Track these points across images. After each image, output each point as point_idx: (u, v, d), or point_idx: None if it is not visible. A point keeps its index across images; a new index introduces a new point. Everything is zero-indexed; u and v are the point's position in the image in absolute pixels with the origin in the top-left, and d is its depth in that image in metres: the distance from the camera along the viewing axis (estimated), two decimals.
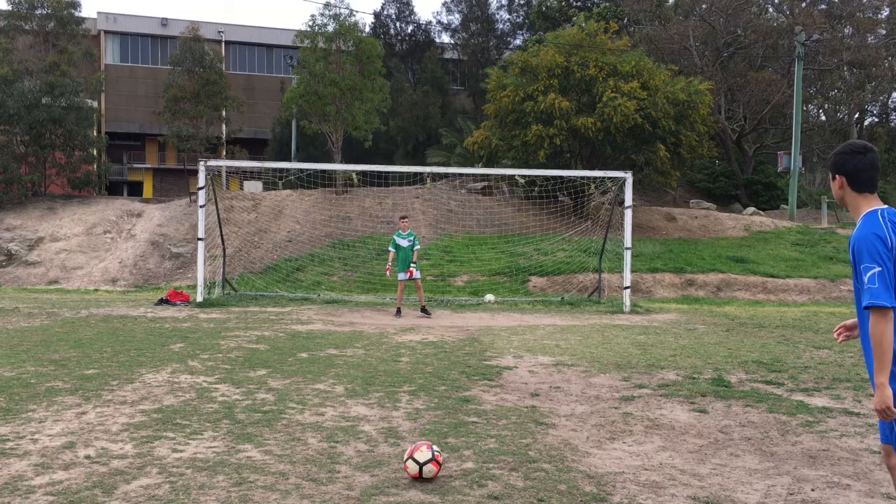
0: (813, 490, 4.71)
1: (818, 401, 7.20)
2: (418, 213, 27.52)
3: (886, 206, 3.30)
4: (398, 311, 15.08)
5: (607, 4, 39.09)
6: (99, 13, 48.38)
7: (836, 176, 3.39)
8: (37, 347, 9.85)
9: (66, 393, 7.04)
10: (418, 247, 15.22)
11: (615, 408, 6.83)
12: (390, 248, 15.23)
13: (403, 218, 15.55)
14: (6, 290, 22.25)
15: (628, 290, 17.16)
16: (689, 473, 4.99)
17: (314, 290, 20.42)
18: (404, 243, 14.90)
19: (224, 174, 36.38)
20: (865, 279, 3.12)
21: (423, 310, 15.08)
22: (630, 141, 27.09)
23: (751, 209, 32.68)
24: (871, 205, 3.31)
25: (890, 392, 3.13)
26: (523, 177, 26.70)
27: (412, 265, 14.92)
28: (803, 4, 39.18)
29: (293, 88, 32.10)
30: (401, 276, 15.02)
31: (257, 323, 13.16)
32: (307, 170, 23.42)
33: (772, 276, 21.98)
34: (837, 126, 41.92)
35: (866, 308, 3.13)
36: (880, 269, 3.11)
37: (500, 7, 48.01)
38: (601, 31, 28.31)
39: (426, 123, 40.44)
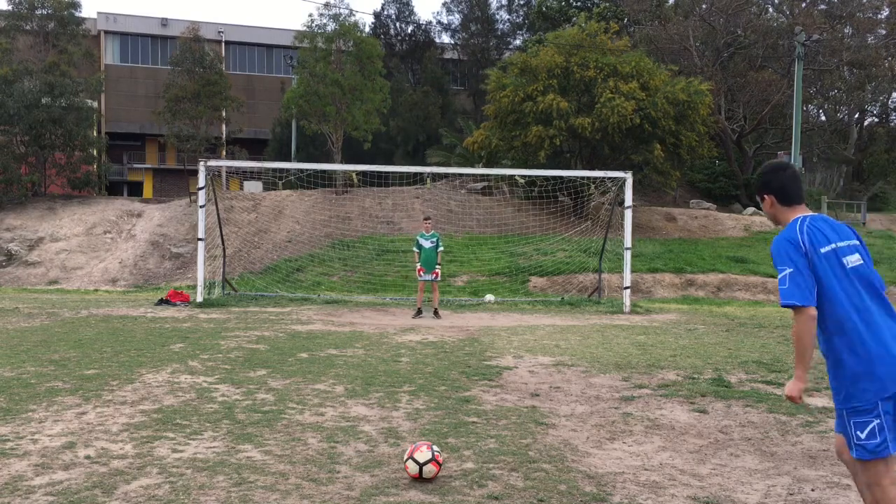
0: (813, 490, 4.71)
1: (818, 401, 7.20)
2: (418, 213, 27.52)
3: (815, 213, 3.43)
4: (419, 312, 14.97)
5: (607, 4, 39.09)
6: (99, 13, 48.39)
7: (765, 195, 3.55)
8: (37, 347, 9.85)
9: (66, 393, 7.03)
10: (442, 248, 15.08)
11: (615, 408, 6.83)
12: (415, 249, 15.16)
13: (427, 219, 15.45)
14: (6, 290, 22.26)
15: (628, 290, 17.15)
16: (689, 473, 4.99)
17: (314, 291, 20.42)
18: (427, 244, 14.80)
19: (224, 174, 36.38)
20: (778, 280, 3.29)
21: (435, 312, 15.00)
22: (629, 141, 27.10)
23: (751, 209, 32.67)
24: (797, 214, 3.46)
25: (804, 385, 3.29)
26: (523, 177, 26.71)
27: (437, 266, 14.89)
28: (803, 4, 39.19)
29: (293, 88, 32.11)
30: (424, 276, 14.88)
31: (257, 323, 13.16)
32: (307, 170, 23.42)
33: (772, 276, 21.96)
34: (837, 126, 41.91)
35: (784, 306, 3.27)
36: (791, 270, 3.26)
37: (500, 7, 48.04)
38: (601, 31, 28.32)
39: (426, 123, 40.43)
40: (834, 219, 3.50)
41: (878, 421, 3.18)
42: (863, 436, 3.21)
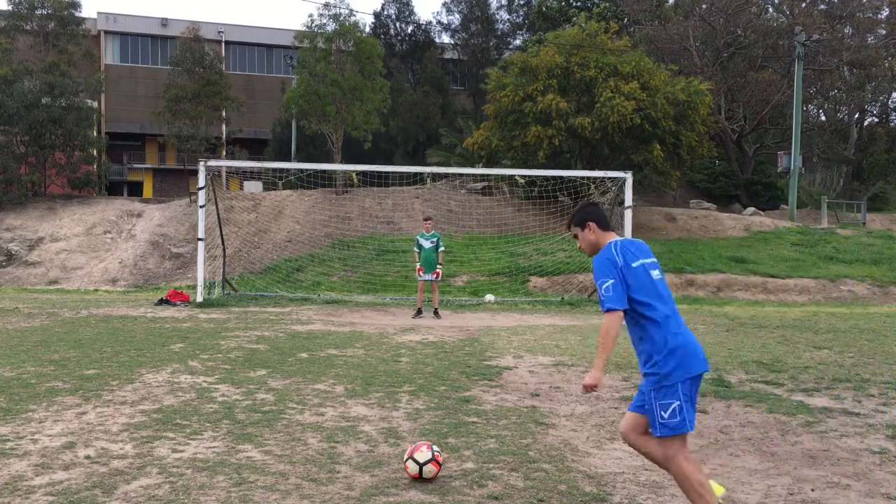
0: (813, 490, 4.71)
1: (818, 401, 7.20)
2: (418, 213, 27.52)
3: (622, 238, 4.26)
4: (419, 312, 14.99)
5: (607, 4, 39.10)
6: (99, 13, 48.41)
7: (588, 224, 4.35)
8: (37, 347, 9.85)
9: (66, 393, 7.04)
10: (443, 248, 15.06)
11: (615, 408, 6.83)
12: (415, 249, 15.16)
13: (427, 219, 15.44)
14: (6, 290, 22.26)
15: None
16: None
17: (314, 291, 20.42)
18: (427, 244, 14.81)
19: (224, 174, 36.40)
20: (602, 290, 3.99)
21: (435, 312, 15.03)
22: (629, 141, 27.09)
23: (751, 209, 32.68)
24: (611, 238, 4.25)
25: (603, 376, 3.96)
26: (523, 177, 26.70)
27: (438, 266, 14.88)
28: (803, 4, 39.19)
29: (293, 88, 32.10)
30: (424, 276, 14.90)
31: (257, 323, 13.16)
32: (307, 170, 23.42)
33: (772, 276, 21.97)
34: (837, 126, 41.91)
35: (605, 311, 3.95)
36: (613, 281, 3.98)
37: (500, 7, 48.03)
38: (601, 31, 28.32)
39: (426, 123, 40.42)
40: (640, 241, 4.34)
41: (679, 402, 3.84)
42: (666, 415, 3.85)
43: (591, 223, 4.36)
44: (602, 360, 3.94)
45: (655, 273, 4.12)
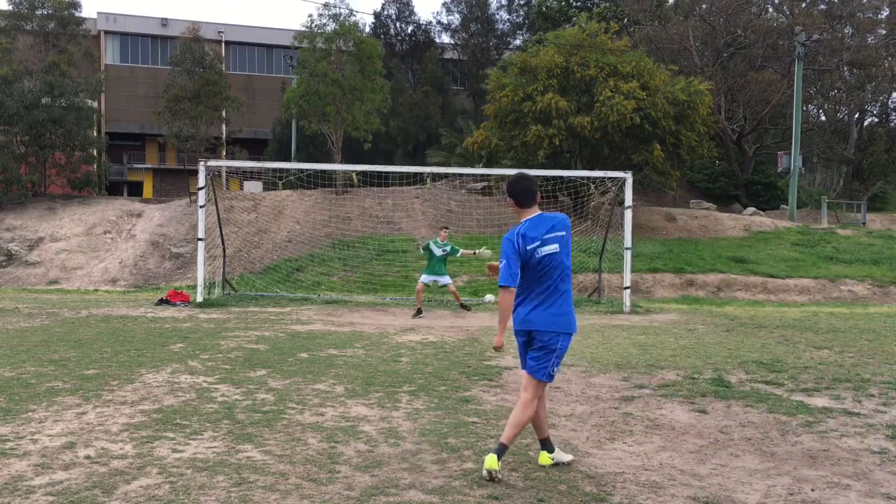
0: (813, 490, 4.71)
1: (818, 401, 7.20)
2: (418, 213, 27.53)
3: (539, 214, 4.84)
4: (419, 312, 15.07)
5: (607, 4, 39.09)
6: (99, 13, 48.42)
7: (508, 198, 4.95)
8: (37, 347, 9.85)
9: (66, 393, 7.03)
10: (454, 255, 15.34)
11: (615, 408, 6.83)
12: (422, 250, 15.51)
13: (444, 228, 15.66)
14: (6, 290, 22.26)
15: (628, 290, 17.15)
16: (689, 473, 4.99)
17: (314, 291, 20.42)
18: (438, 252, 14.99)
19: (224, 174, 36.39)
20: (501, 267, 4.70)
21: (463, 306, 15.65)
22: (629, 141, 27.09)
23: (751, 209, 32.68)
24: (525, 216, 4.87)
25: (503, 338, 4.92)
26: None
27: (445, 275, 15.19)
28: (803, 4, 39.19)
29: (293, 88, 32.10)
30: (424, 278, 15.07)
31: (257, 323, 13.16)
32: (307, 170, 23.41)
33: (772, 276, 21.97)
34: (837, 126, 41.90)
35: (499, 286, 4.73)
36: (505, 261, 4.71)
37: (500, 7, 48.03)
38: (601, 31, 28.31)
39: (426, 123, 40.42)
40: (553, 215, 4.89)
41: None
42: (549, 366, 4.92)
43: (509, 198, 4.94)
44: (502, 327, 4.78)
45: (551, 248, 4.72)
